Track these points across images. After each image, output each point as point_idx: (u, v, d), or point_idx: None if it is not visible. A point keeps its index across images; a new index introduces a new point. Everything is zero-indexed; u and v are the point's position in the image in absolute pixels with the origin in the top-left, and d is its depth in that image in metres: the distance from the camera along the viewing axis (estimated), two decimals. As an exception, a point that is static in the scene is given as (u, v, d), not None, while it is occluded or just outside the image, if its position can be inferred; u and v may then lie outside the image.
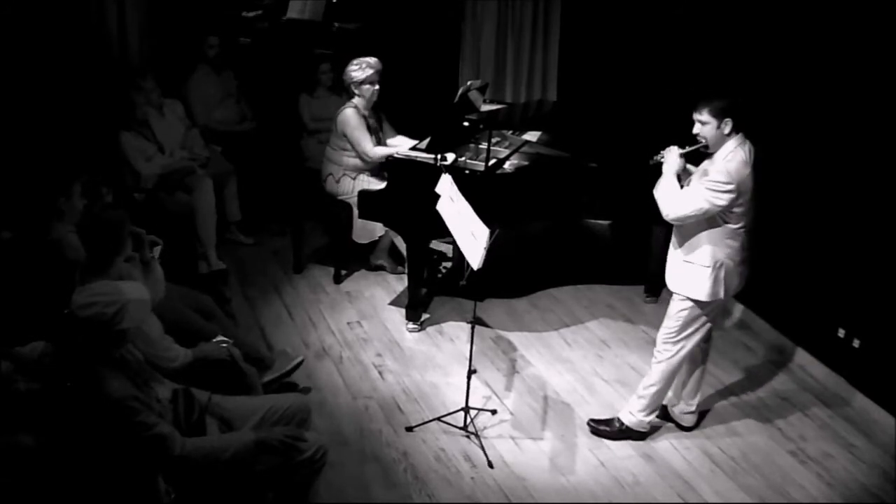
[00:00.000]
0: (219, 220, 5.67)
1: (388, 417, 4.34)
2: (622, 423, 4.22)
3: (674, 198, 3.84)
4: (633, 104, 6.02)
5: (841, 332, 4.63)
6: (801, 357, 4.93)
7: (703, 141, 3.82)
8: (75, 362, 2.93)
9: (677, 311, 4.01)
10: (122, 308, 2.89)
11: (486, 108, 5.43)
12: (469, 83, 5.19)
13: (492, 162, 4.91)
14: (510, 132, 5.61)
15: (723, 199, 3.72)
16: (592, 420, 4.31)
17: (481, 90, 5.42)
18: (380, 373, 4.72)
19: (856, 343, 4.55)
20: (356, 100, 5.36)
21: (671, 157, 3.92)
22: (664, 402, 4.30)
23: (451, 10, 6.70)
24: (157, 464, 2.96)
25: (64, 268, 3.76)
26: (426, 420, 4.27)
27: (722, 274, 3.87)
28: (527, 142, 5.46)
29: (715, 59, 5.36)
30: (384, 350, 4.93)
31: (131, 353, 3.09)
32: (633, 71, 6.12)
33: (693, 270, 3.91)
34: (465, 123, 4.88)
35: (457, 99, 5.06)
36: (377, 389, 4.57)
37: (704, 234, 3.85)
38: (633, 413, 4.20)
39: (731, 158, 3.75)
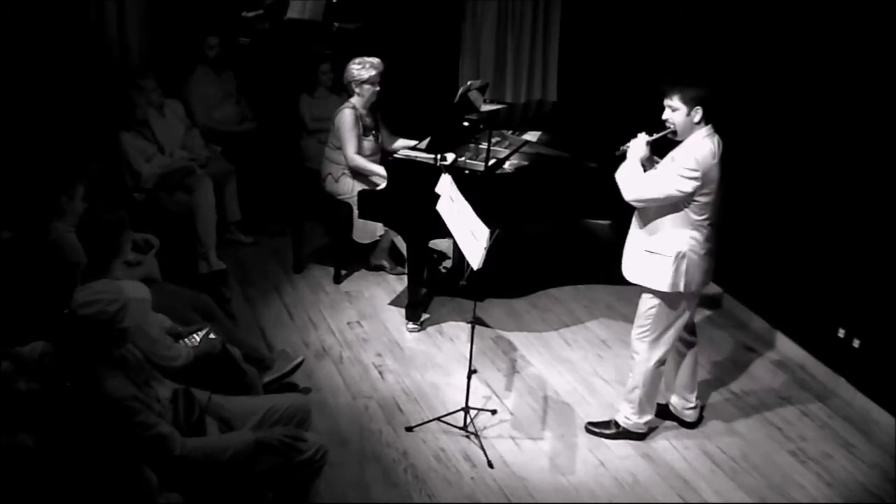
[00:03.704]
0: (219, 220, 5.66)
1: (388, 417, 4.34)
2: (619, 426, 4.22)
3: (638, 180, 3.80)
4: (633, 104, 6.01)
5: (841, 332, 4.63)
6: (802, 357, 4.92)
7: (672, 127, 3.79)
8: (75, 362, 2.93)
9: (647, 308, 3.97)
10: (123, 306, 2.89)
11: (486, 108, 5.42)
12: (469, 83, 5.19)
13: (492, 162, 4.91)
14: (510, 132, 5.61)
15: (688, 186, 3.69)
16: (590, 423, 4.30)
17: (481, 90, 5.42)
18: (380, 373, 4.72)
19: (856, 343, 4.55)
20: (354, 99, 5.36)
21: (637, 143, 3.88)
22: (662, 402, 4.30)
23: (451, 10, 6.70)
24: (158, 463, 2.96)
25: (64, 268, 3.76)
26: (426, 420, 4.27)
27: (684, 266, 3.82)
28: (527, 142, 5.46)
29: (715, 59, 5.35)
30: (384, 350, 4.93)
31: (132, 353, 3.09)
32: (634, 71, 6.11)
33: (654, 260, 3.86)
34: (465, 123, 4.89)
35: (457, 99, 5.06)
36: (377, 389, 4.57)
37: (668, 224, 3.81)
38: (627, 417, 4.19)
39: (699, 147, 3.73)
